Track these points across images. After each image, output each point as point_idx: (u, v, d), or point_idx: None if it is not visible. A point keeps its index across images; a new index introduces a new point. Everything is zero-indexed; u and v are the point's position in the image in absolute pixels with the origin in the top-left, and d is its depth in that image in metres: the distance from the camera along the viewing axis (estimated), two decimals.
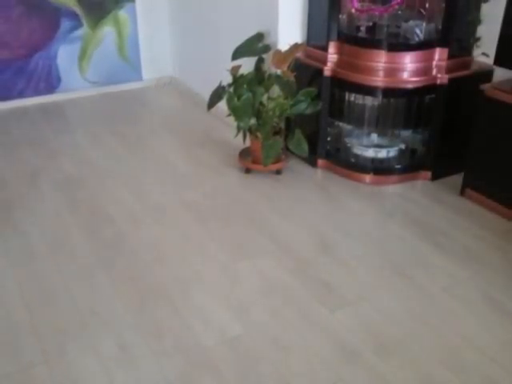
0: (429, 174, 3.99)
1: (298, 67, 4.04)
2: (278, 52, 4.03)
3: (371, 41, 3.86)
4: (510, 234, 3.35)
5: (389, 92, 3.77)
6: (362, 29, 4.00)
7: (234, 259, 3.16)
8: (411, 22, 3.88)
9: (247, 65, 4.02)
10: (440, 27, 3.75)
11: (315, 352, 2.52)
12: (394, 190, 3.86)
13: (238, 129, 3.97)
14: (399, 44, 3.80)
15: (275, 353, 2.52)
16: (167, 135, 4.62)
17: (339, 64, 3.89)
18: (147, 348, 2.54)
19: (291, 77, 3.81)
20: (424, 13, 3.82)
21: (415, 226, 3.47)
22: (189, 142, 4.49)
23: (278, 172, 4.03)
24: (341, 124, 4.15)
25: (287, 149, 4.02)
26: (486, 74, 3.84)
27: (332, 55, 3.90)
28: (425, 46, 3.78)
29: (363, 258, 3.20)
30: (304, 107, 3.86)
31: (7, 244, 3.24)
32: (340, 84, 3.87)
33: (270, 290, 2.92)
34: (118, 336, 2.59)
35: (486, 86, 3.52)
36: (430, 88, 3.75)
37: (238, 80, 3.94)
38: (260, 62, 4.07)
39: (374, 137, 4.14)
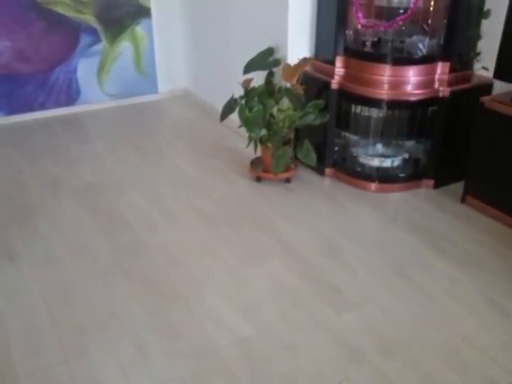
0: (431, 182, 4.00)
1: (307, 80, 4.06)
2: (288, 66, 4.06)
3: (376, 55, 3.88)
4: (508, 239, 3.37)
5: (393, 104, 3.79)
6: (368, 44, 4.02)
7: (244, 263, 3.18)
8: (414, 38, 3.90)
9: (258, 78, 4.05)
10: (442, 42, 3.76)
11: (322, 352, 2.54)
12: (397, 197, 3.87)
13: (250, 139, 4.00)
14: (403, 58, 3.82)
15: (283, 353, 2.54)
16: (181, 145, 4.64)
17: (346, 77, 3.91)
18: (162, 348, 2.56)
19: (300, 90, 3.83)
20: (427, 29, 3.83)
21: (418, 231, 3.48)
22: (202, 152, 4.51)
23: (288, 180, 4.04)
24: (347, 135, 4.17)
25: (296, 158, 4.03)
26: (485, 87, 3.85)
27: (339, 69, 3.92)
28: (427, 60, 3.80)
29: (368, 261, 3.20)
30: (312, 119, 3.88)
31: (28, 247, 3.27)
32: (346, 96, 3.89)
33: (279, 292, 2.93)
34: (135, 337, 2.62)
35: (485, 99, 3.54)
36: (432, 100, 3.76)
37: (249, 92, 3.96)
38: (270, 75, 4.09)
39: (379, 147, 4.17)
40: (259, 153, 4.09)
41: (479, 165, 3.65)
